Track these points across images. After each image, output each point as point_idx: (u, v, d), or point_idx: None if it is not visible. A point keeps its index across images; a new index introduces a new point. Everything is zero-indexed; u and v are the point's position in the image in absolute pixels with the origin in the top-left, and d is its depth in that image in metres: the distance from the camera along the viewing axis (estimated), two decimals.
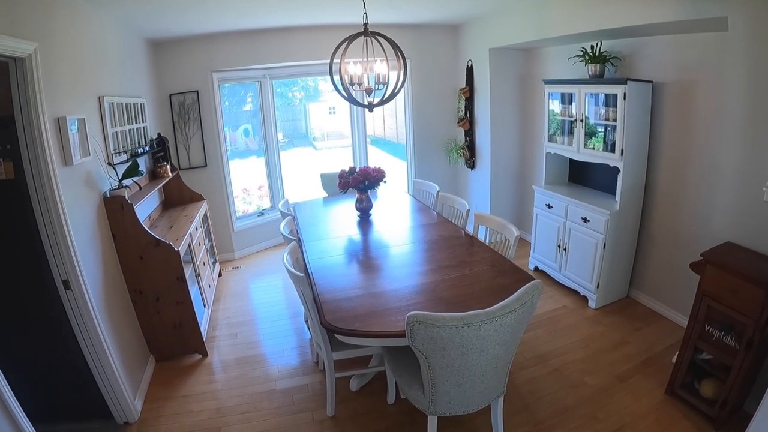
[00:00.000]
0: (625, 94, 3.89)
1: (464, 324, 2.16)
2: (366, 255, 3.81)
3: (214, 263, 5.69)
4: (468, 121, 6.45)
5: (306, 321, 4.49)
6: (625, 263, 4.51)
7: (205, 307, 4.61)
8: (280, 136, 6.83)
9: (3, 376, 2.15)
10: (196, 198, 5.54)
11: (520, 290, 2.32)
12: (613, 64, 4.35)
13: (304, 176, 9.93)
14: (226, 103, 6.15)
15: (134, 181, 3.94)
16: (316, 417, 3.31)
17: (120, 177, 3.70)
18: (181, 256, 3.87)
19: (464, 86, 6.41)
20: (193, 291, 4.11)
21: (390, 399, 3.39)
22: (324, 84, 17.59)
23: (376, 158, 7.17)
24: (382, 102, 3.67)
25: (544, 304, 4.60)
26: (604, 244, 4.27)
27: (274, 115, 6.64)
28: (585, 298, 4.63)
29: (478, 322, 2.18)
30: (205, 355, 4.16)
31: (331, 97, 18.28)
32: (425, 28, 6.34)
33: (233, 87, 6.72)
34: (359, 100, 3.79)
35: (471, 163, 6.64)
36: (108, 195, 3.59)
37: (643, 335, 4.04)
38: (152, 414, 3.47)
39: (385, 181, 4.50)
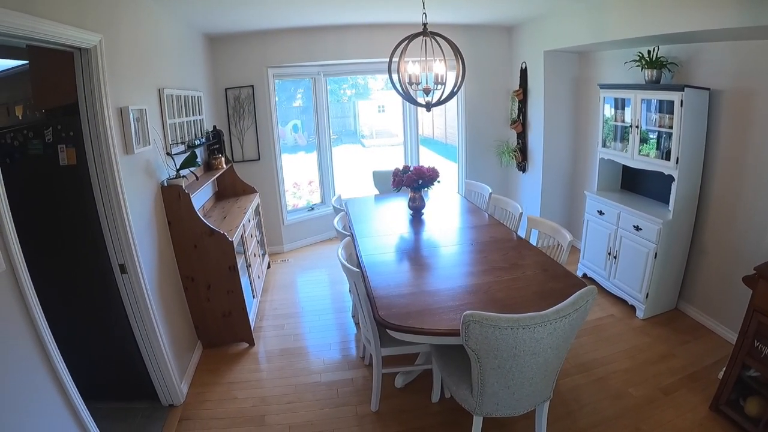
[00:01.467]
0: (682, 101, 3.75)
1: (519, 325, 2.13)
2: (418, 253, 3.80)
3: (263, 255, 5.78)
4: (521, 123, 6.33)
5: (353, 316, 4.53)
6: (675, 274, 4.34)
7: (253, 297, 4.68)
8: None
9: (60, 355, 2.22)
10: (248, 190, 5.64)
11: (575, 295, 2.28)
12: (669, 70, 4.18)
13: (352, 173, 9.98)
14: (276, 98, 6.23)
15: (191, 172, 4.02)
16: (359, 411, 3.31)
17: (178, 167, 3.79)
18: (234, 247, 3.94)
19: (518, 88, 6.30)
20: (244, 281, 4.17)
21: (434, 398, 3.36)
22: (373, 82, 17.66)
23: (425, 158, 7.13)
24: (440, 102, 3.63)
25: (591, 312, 4.40)
26: (656, 254, 4.12)
27: (327, 112, 6.70)
28: (633, 308, 4.49)
29: (533, 325, 2.14)
30: (251, 344, 4.23)
31: (380, 95, 18.32)
32: (480, 28, 6.26)
33: (283, 83, 6.81)
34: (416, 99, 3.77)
35: (522, 166, 6.52)
36: (166, 184, 3.69)
37: (690, 349, 3.89)
38: (197, 398, 3.55)
39: (438, 181, 4.47)
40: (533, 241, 3.83)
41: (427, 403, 3.37)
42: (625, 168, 4.97)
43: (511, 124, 6.56)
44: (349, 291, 4.70)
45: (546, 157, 6.04)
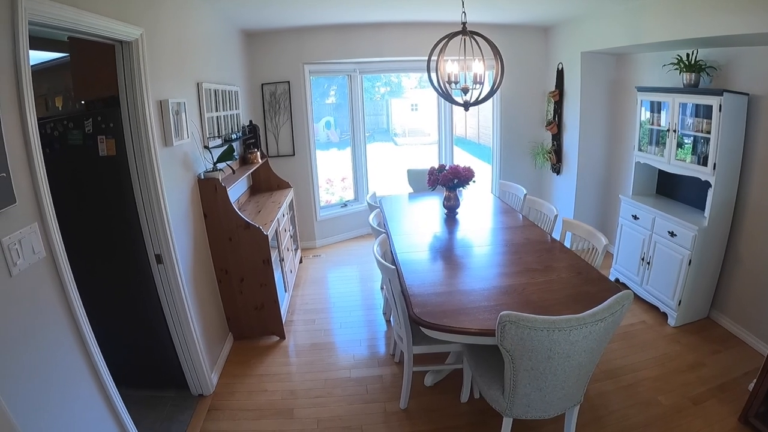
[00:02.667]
0: (720, 105, 3.65)
1: (555, 328, 2.10)
2: (453, 253, 3.77)
3: (296, 250, 5.82)
4: (556, 124, 6.23)
5: (384, 313, 4.52)
6: (708, 282, 4.21)
7: (285, 291, 4.71)
8: None
9: (95, 341, 2.25)
10: (283, 185, 5.69)
11: (610, 299, 2.24)
12: (708, 74, 4.06)
13: (384, 171, 9.98)
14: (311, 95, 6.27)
15: (227, 165, 4.06)
16: (388, 408, 3.31)
17: (215, 160, 3.83)
18: (269, 241, 3.96)
19: (554, 89, 6.20)
20: (276, 275, 4.19)
21: (463, 398, 3.33)
22: (407, 80, 17.60)
23: (458, 158, 7.09)
24: (479, 101, 3.61)
25: (623, 318, 4.39)
26: (690, 261, 4.01)
27: (362, 109, 6.71)
28: (665, 315, 4.37)
29: (569, 327, 2.11)
30: (282, 337, 4.26)
31: (413, 93, 18.25)
32: (516, 28, 6.18)
33: (317, 80, 6.83)
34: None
35: (557, 168, 6.42)
36: (203, 176, 3.74)
37: (720, 359, 3.78)
38: (227, 389, 3.59)
39: (474, 181, 4.42)
40: (567, 243, 3.77)
41: (456, 402, 3.34)
42: (661, 172, 4.84)
43: (546, 126, 6.46)
44: (381, 288, 4.72)
45: (581, 160, 5.93)
